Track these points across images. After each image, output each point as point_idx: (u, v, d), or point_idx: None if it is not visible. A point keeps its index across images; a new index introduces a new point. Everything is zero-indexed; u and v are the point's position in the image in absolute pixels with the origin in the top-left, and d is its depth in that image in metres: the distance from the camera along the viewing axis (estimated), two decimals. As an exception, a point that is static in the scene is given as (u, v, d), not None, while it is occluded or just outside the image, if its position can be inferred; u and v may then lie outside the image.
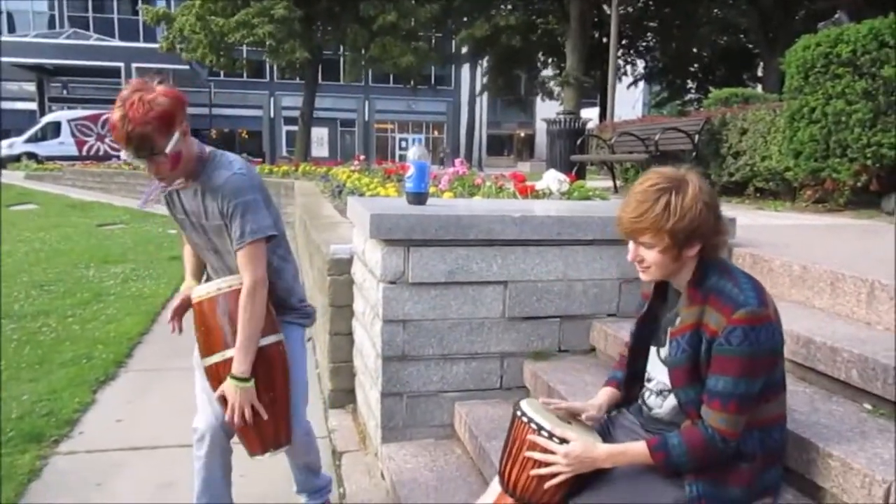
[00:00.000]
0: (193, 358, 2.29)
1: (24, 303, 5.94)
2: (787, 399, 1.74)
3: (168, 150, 1.95)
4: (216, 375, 2.11)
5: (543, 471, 1.70)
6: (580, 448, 1.67)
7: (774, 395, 1.67)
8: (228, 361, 2.07)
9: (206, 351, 2.15)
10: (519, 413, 1.78)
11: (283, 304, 2.30)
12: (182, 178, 2.08)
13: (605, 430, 1.89)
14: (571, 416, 1.87)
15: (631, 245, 1.70)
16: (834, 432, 1.83)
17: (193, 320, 2.19)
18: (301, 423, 2.39)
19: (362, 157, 13.65)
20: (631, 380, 1.93)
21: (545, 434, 1.71)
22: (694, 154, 7.79)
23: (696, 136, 7.76)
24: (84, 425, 3.53)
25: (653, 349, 1.85)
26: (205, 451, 2.24)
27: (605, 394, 1.96)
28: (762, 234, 3.80)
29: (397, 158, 33.62)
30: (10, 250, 8.75)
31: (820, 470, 1.75)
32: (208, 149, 2.13)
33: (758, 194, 7.29)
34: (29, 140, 28.79)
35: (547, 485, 1.70)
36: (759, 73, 25.22)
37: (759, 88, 21.08)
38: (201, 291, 2.17)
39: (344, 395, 3.75)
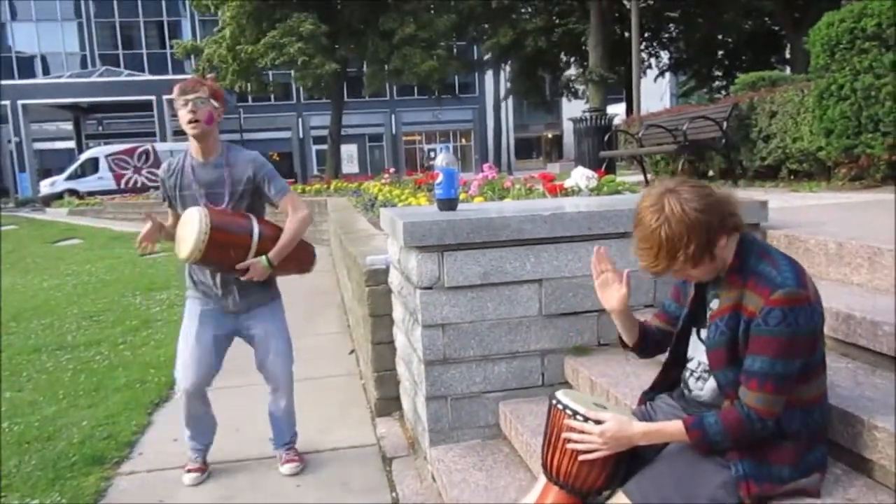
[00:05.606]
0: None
1: (76, 333, 6.15)
2: (830, 375, 1.75)
3: (212, 102, 2.88)
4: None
5: (583, 456, 1.75)
6: (615, 427, 1.72)
7: (815, 376, 1.68)
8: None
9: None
10: (554, 402, 1.85)
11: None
12: (206, 141, 2.91)
13: (647, 415, 1.92)
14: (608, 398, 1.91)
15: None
16: (879, 405, 1.82)
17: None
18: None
19: (392, 170, 13.80)
20: (672, 362, 1.95)
21: (580, 418, 1.76)
22: (723, 141, 7.72)
23: (725, 123, 7.68)
24: (142, 446, 3.66)
25: (694, 331, 1.88)
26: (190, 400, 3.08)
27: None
28: (796, 214, 3.77)
29: (426, 168, 33.82)
30: (60, 284, 9.05)
31: (866, 442, 1.75)
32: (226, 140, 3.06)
33: (791, 177, 7.18)
34: (69, 177, 29.58)
35: (586, 462, 1.75)
36: (787, 56, 24.76)
37: (788, 71, 20.74)
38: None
39: (390, 403, 3.82)
